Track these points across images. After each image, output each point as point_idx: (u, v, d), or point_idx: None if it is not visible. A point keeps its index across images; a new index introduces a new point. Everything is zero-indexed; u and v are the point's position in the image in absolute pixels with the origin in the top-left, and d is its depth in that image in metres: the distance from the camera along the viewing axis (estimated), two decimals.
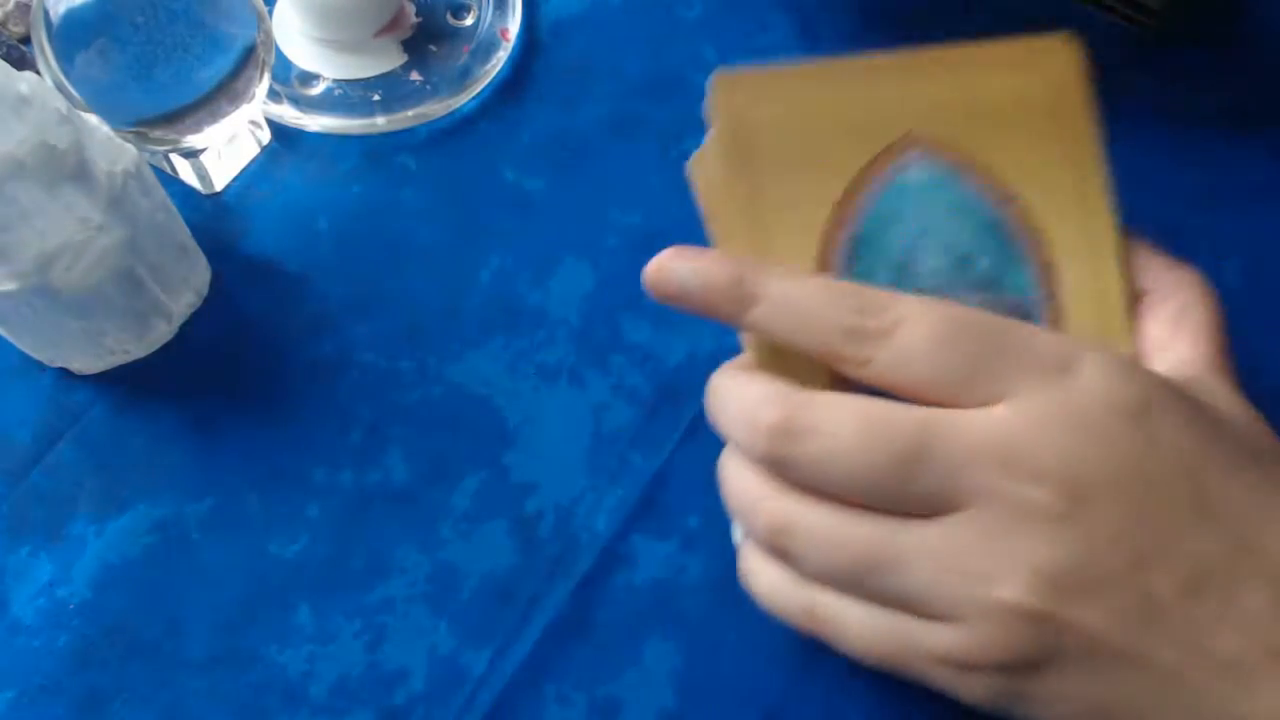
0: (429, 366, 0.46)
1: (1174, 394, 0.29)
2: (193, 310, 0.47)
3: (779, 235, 0.33)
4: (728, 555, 0.44)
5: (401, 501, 0.44)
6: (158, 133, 0.44)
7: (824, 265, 0.33)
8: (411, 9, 0.54)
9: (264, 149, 0.51)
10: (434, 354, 0.47)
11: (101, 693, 0.40)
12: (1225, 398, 0.31)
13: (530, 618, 0.42)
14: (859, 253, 0.33)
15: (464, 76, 0.52)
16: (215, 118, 0.45)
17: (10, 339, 0.44)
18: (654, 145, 0.52)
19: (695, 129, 0.53)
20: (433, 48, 0.54)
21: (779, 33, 0.55)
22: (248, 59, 0.44)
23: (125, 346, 0.45)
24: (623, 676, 0.42)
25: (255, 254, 0.48)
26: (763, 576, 0.34)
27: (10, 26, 0.51)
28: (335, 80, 0.52)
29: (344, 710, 0.41)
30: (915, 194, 0.33)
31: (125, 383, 0.46)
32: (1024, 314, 0.33)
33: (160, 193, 0.44)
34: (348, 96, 0.52)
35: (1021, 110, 0.34)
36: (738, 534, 0.38)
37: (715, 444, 0.46)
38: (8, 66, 0.37)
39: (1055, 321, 0.33)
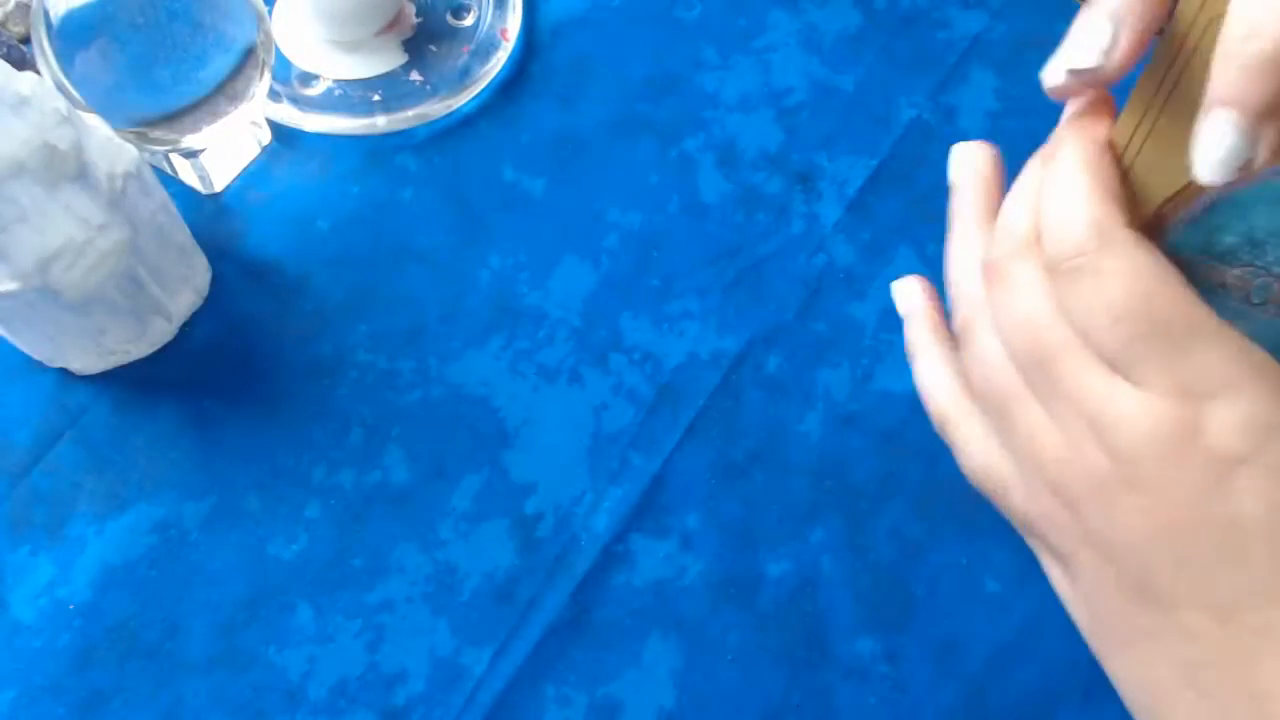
0: (429, 366, 0.46)
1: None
2: (193, 310, 0.47)
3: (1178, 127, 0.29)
4: (726, 555, 0.44)
5: (401, 501, 0.44)
6: (158, 133, 0.44)
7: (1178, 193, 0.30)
8: (412, 9, 0.54)
9: (264, 149, 0.51)
10: (434, 354, 0.47)
11: (102, 692, 0.40)
12: None
13: (530, 618, 0.42)
14: (1218, 207, 0.30)
15: (464, 76, 0.52)
16: (215, 118, 0.45)
17: (11, 339, 0.44)
18: (654, 145, 0.52)
19: (695, 129, 0.53)
20: (433, 48, 0.54)
21: (779, 32, 0.55)
22: (248, 59, 0.44)
23: (125, 346, 0.45)
24: (622, 676, 0.42)
25: (255, 254, 0.48)
26: (930, 376, 0.35)
27: (10, 26, 0.51)
28: (335, 80, 0.52)
29: (344, 711, 0.41)
30: None
31: (125, 382, 0.46)
32: None
33: (160, 193, 0.44)
34: (348, 96, 0.52)
35: None
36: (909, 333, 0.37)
37: (715, 444, 0.46)
38: (8, 67, 0.37)
39: None
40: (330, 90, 0.52)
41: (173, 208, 0.45)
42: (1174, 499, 0.27)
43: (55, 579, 0.42)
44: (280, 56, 0.52)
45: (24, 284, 0.39)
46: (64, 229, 0.39)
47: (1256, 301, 0.31)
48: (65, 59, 0.42)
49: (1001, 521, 0.33)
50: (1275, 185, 0.29)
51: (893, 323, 0.48)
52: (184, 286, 0.46)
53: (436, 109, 0.52)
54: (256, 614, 0.42)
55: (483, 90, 0.53)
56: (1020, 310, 0.30)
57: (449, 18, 0.54)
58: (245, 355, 0.46)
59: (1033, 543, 0.33)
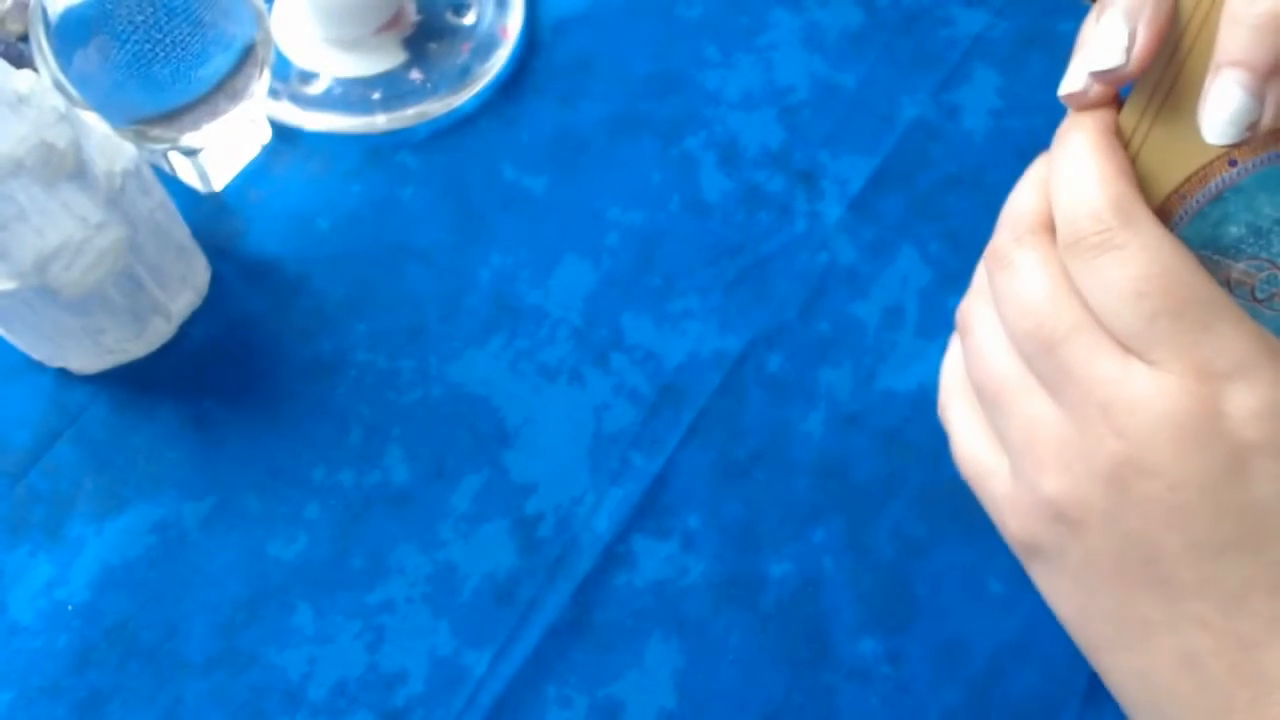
0: (429, 366, 0.46)
1: None
2: (192, 310, 0.47)
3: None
4: (728, 556, 0.44)
5: (401, 501, 0.44)
6: (157, 131, 0.44)
7: (1192, 177, 0.30)
8: (412, 7, 0.54)
9: (264, 148, 0.50)
10: (434, 354, 0.47)
11: (101, 693, 0.40)
12: None
13: (530, 618, 0.42)
14: (1224, 197, 0.30)
15: (464, 75, 0.52)
16: (215, 116, 0.45)
17: (10, 339, 0.44)
18: (654, 144, 0.52)
19: (697, 127, 0.53)
20: (433, 46, 0.53)
21: (781, 30, 0.55)
22: (247, 57, 0.44)
23: (124, 346, 0.45)
24: (623, 677, 0.41)
25: (255, 253, 0.48)
26: (944, 364, 0.35)
27: (8, 25, 0.51)
28: (335, 78, 0.52)
29: (344, 711, 0.40)
30: None
31: (125, 382, 0.45)
32: None
33: (160, 192, 0.43)
34: (348, 95, 0.52)
35: None
36: None
37: (717, 444, 0.46)
38: (6, 65, 0.37)
39: None
40: (330, 88, 0.52)
41: (172, 206, 0.44)
42: (1190, 484, 0.27)
43: (54, 579, 0.42)
44: (280, 55, 0.52)
45: (22, 283, 0.39)
46: (62, 227, 0.39)
47: (1261, 296, 0.31)
48: (63, 57, 0.42)
49: None
50: (1278, 171, 0.29)
51: (895, 322, 0.48)
52: (183, 286, 0.46)
53: (437, 107, 0.51)
54: (256, 614, 0.42)
55: (483, 88, 0.52)
56: (1026, 294, 0.29)
57: (449, 16, 0.54)
58: (245, 355, 0.46)
59: (1013, 537, 0.32)
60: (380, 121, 0.51)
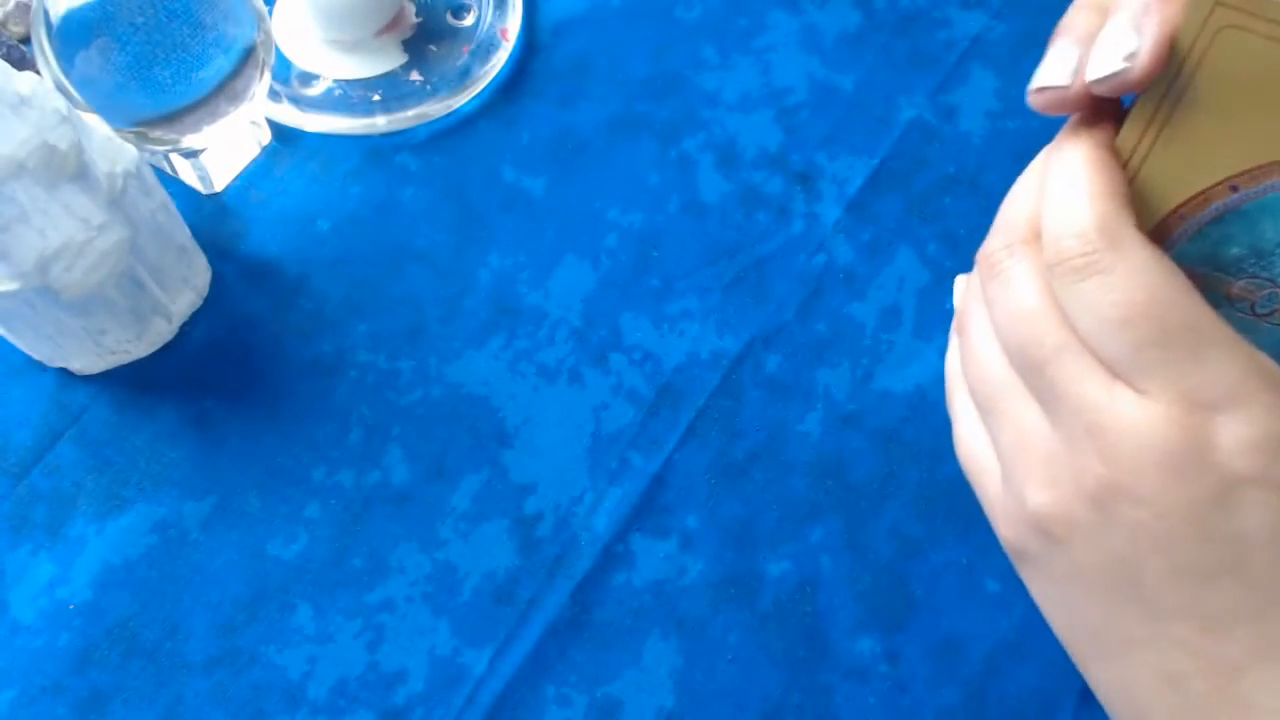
0: (429, 366, 0.47)
1: None
2: (193, 310, 0.47)
3: (1185, 141, 0.29)
4: (726, 555, 0.44)
5: (401, 501, 0.44)
6: (158, 133, 0.44)
7: (1188, 203, 0.30)
8: (412, 9, 0.54)
9: (264, 149, 0.51)
10: (434, 354, 0.47)
11: (102, 692, 0.40)
12: None
13: (530, 618, 0.42)
14: (1225, 219, 0.30)
15: (464, 76, 0.52)
16: (215, 118, 0.45)
17: (11, 339, 0.44)
18: (654, 145, 0.52)
19: (695, 129, 0.53)
20: (433, 47, 0.54)
21: (779, 32, 0.55)
22: (247, 59, 0.44)
23: (125, 346, 0.45)
24: (621, 676, 0.42)
25: (255, 254, 0.48)
26: (950, 353, 0.35)
27: (10, 26, 0.51)
28: (335, 80, 0.52)
29: (344, 711, 0.41)
30: None
31: (126, 382, 0.46)
32: None
33: (160, 193, 0.44)
34: (348, 96, 0.52)
35: None
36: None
37: (715, 444, 0.46)
38: (8, 66, 0.37)
39: None
40: (330, 90, 0.52)
41: (173, 207, 0.45)
42: (1176, 512, 0.27)
43: (55, 579, 0.42)
44: (280, 56, 0.52)
45: (24, 284, 0.39)
46: (64, 229, 0.39)
47: (1262, 312, 0.31)
48: (65, 59, 0.42)
49: None
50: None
51: (892, 322, 0.49)
52: (184, 286, 0.46)
53: (436, 109, 0.52)
54: (256, 614, 0.42)
55: (483, 90, 0.53)
56: (1016, 308, 0.29)
57: (449, 17, 0.54)
58: (245, 355, 0.46)
59: (1006, 538, 0.32)
60: (380, 123, 0.51)
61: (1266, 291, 0.31)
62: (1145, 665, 0.28)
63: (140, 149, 0.43)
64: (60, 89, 0.42)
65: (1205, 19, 0.26)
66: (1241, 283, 0.31)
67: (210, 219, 0.49)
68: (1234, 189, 0.29)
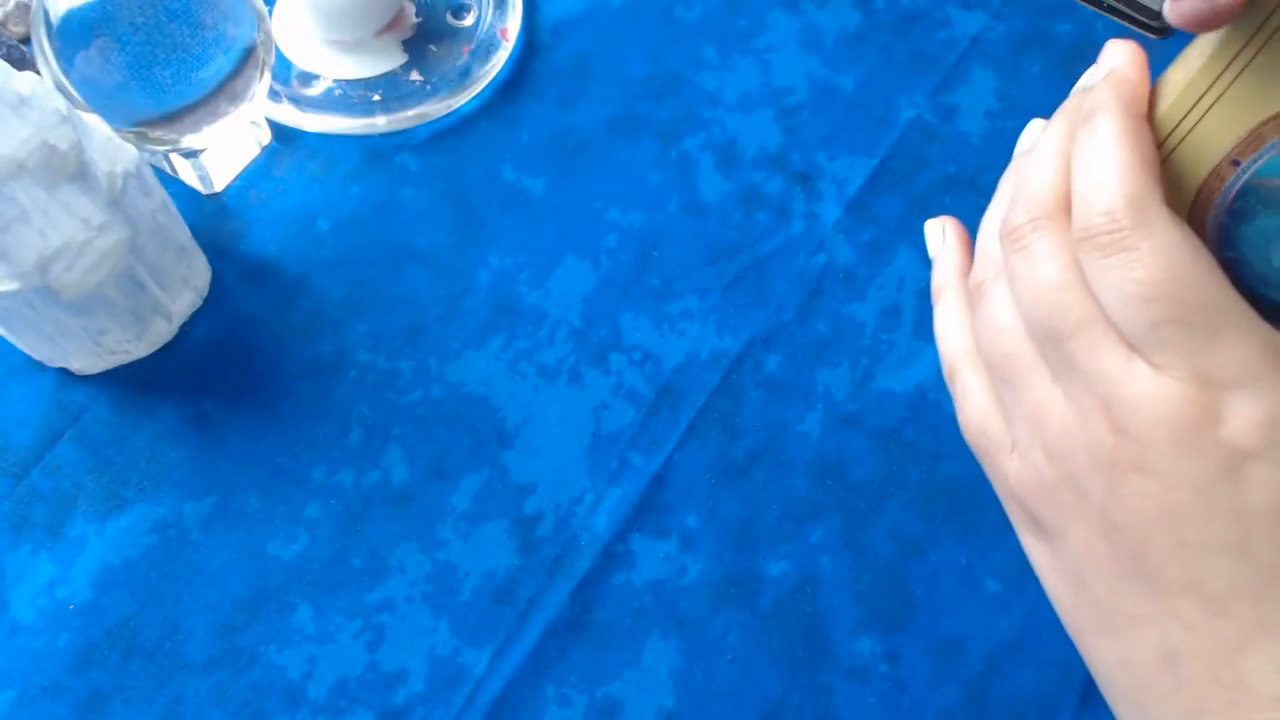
0: (429, 366, 0.47)
1: None
2: (193, 310, 0.47)
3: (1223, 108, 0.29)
4: (726, 555, 0.44)
5: (401, 501, 0.44)
6: (158, 133, 0.44)
7: (1211, 175, 0.30)
8: (412, 9, 0.54)
9: (264, 149, 0.51)
10: (434, 354, 0.47)
11: (102, 692, 0.40)
12: None
13: (530, 618, 0.42)
14: (1253, 179, 0.29)
15: (464, 76, 0.52)
16: (215, 118, 0.45)
17: (11, 339, 0.44)
18: (654, 145, 0.52)
19: (695, 129, 0.53)
20: (433, 47, 0.54)
21: (779, 32, 0.55)
22: (248, 59, 0.44)
23: (126, 346, 0.45)
24: (622, 676, 0.42)
25: (255, 254, 0.48)
26: (946, 322, 0.35)
27: (10, 26, 0.51)
28: (335, 80, 0.52)
29: (344, 711, 0.41)
30: None
31: (126, 382, 0.46)
32: None
33: (160, 193, 0.44)
34: (348, 96, 0.52)
35: None
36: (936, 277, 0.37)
37: (715, 444, 0.46)
38: (8, 66, 0.37)
39: None
40: (330, 90, 0.52)
41: (173, 207, 0.45)
42: (1183, 485, 0.27)
43: (55, 579, 0.42)
44: (280, 56, 0.52)
45: (24, 284, 0.39)
46: (64, 229, 0.39)
47: None
48: (65, 59, 0.42)
49: (1002, 521, 0.33)
50: None
51: (892, 322, 0.49)
52: (184, 286, 0.46)
53: (436, 109, 0.52)
54: (256, 614, 0.42)
55: (483, 90, 0.53)
56: (1039, 280, 0.29)
57: (449, 18, 0.54)
58: (245, 355, 0.46)
59: (1015, 514, 0.32)
60: (380, 123, 0.51)
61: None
62: (1144, 642, 0.29)
63: (140, 149, 0.43)
64: (60, 89, 0.42)
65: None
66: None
67: (210, 219, 0.49)
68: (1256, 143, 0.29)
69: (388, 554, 0.43)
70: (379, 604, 0.42)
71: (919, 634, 0.43)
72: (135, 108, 0.43)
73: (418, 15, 0.54)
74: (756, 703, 0.41)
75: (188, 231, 0.46)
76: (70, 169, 0.38)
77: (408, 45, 0.53)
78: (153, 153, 0.47)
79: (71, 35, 0.42)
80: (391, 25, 0.53)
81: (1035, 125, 0.35)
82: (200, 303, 0.47)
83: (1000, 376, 0.31)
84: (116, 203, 0.40)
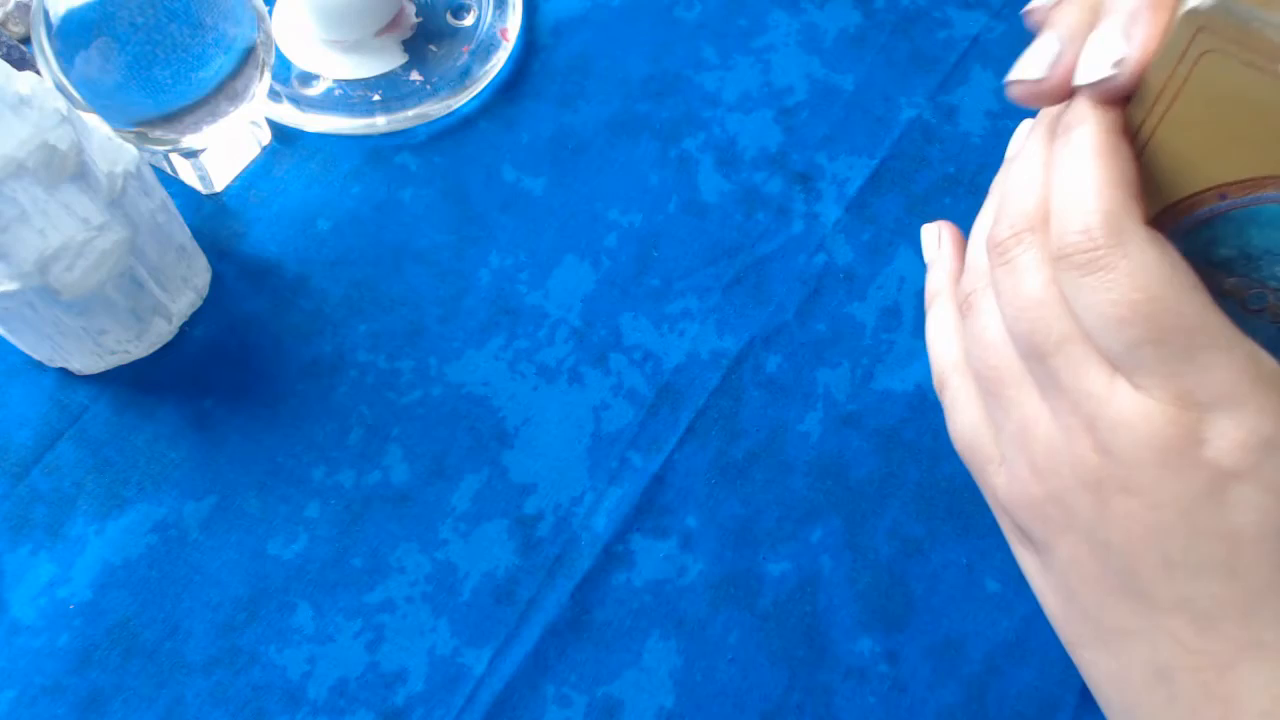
0: (429, 366, 0.47)
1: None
2: (193, 310, 0.47)
3: (1185, 145, 0.29)
4: (726, 555, 0.44)
5: (401, 501, 0.44)
6: (158, 133, 0.44)
7: (1182, 202, 0.30)
8: (412, 9, 0.54)
9: (264, 149, 0.51)
10: (434, 354, 0.47)
11: (102, 692, 0.40)
12: None
13: (530, 618, 0.42)
14: (1214, 222, 0.30)
15: (464, 76, 0.52)
16: (215, 118, 0.45)
17: (11, 339, 0.44)
18: (653, 146, 0.52)
19: (695, 129, 0.53)
20: (433, 48, 0.54)
21: (779, 32, 0.55)
22: (248, 59, 0.44)
23: (126, 346, 0.45)
24: (622, 676, 0.42)
25: (255, 254, 0.48)
26: (938, 330, 0.35)
27: (10, 26, 0.51)
28: (335, 80, 0.52)
29: (344, 711, 0.41)
30: None
31: (126, 382, 0.46)
32: None
33: (160, 193, 0.44)
34: (348, 96, 0.52)
35: None
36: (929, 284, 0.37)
37: (715, 444, 0.46)
38: (8, 67, 0.37)
39: None
40: (330, 90, 0.52)
41: (173, 207, 0.45)
42: (1168, 505, 0.27)
43: (55, 579, 0.42)
44: (280, 56, 0.52)
45: (24, 284, 0.39)
46: (64, 229, 0.39)
47: (1252, 308, 0.31)
48: (65, 59, 0.42)
49: None
50: (1267, 211, 0.29)
51: (892, 323, 0.49)
52: (184, 286, 0.46)
53: (436, 109, 0.52)
54: (256, 614, 0.42)
55: (483, 90, 0.53)
56: (1023, 295, 0.29)
57: (449, 18, 0.54)
58: (245, 355, 0.46)
59: (1006, 524, 0.32)
60: (380, 123, 0.51)
61: (1255, 290, 0.31)
62: (1136, 657, 0.29)
63: (140, 149, 0.43)
64: (60, 89, 0.42)
65: (1189, 42, 0.26)
66: (1233, 280, 0.31)
67: (210, 219, 0.49)
68: (1223, 196, 0.29)
69: (388, 554, 0.43)
70: (379, 604, 0.42)
71: (919, 634, 0.43)
72: (135, 108, 0.43)
73: (418, 15, 0.54)
74: (756, 703, 0.41)
75: (188, 231, 0.46)
76: (70, 169, 0.38)
77: (408, 45, 0.53)
78: (153, 153, 0.47)
79: (71, 35, 0.42)
80: (391, 25, 0.53)
81: (1025, 126, 0.35)
82: (200, 303, 0.47)
83: (988, 390, 0.31)
84: (116, 203, 0.40)
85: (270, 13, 0.53)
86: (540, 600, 0.43)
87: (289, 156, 0.51)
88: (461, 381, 0.46)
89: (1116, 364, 0.27)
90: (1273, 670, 0.27)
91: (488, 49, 0.53)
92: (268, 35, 0.45)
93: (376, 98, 0.52)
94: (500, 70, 0.53)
